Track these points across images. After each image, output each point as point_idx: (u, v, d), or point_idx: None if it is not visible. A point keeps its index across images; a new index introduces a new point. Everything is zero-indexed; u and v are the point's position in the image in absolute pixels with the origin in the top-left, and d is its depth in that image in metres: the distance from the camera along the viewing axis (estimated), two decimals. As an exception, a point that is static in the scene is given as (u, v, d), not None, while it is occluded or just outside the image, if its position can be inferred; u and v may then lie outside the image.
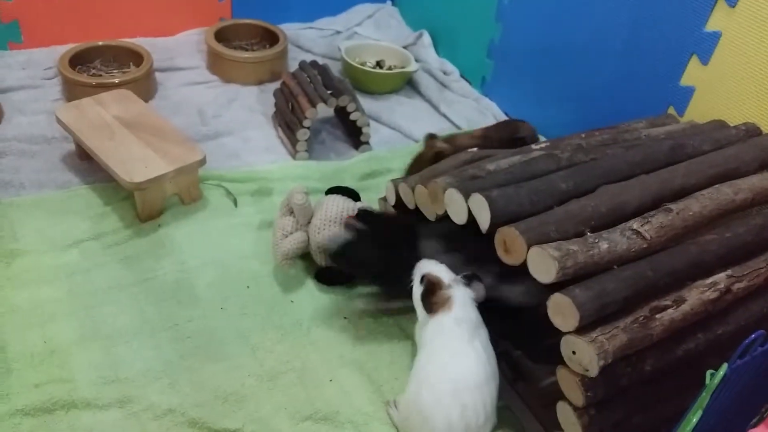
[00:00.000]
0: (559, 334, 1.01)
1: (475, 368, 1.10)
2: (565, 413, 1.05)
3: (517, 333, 1.32)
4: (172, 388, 1.21)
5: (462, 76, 2.31)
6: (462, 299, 1.17)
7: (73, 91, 1.90)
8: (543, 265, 1.01)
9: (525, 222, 1.08)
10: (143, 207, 1.55)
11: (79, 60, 2.01)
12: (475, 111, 2.15)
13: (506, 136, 1.61)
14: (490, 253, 1.11)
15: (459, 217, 1.18)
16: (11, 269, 1.41)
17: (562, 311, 0.99)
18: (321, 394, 1.24)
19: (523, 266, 1.05)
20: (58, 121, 1.66)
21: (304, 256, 1.48)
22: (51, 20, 2.11)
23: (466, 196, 1.14)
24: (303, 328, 1.36)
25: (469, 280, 1.20)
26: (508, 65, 2.12)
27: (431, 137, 1.59)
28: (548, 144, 1.40)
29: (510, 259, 1.07)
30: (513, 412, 1.24)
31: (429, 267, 1.22)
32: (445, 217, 1.24)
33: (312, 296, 1.45)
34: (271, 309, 1.39)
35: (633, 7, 1.63)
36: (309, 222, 1.46)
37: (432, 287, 1.18)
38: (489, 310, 1.20)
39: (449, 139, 1.61)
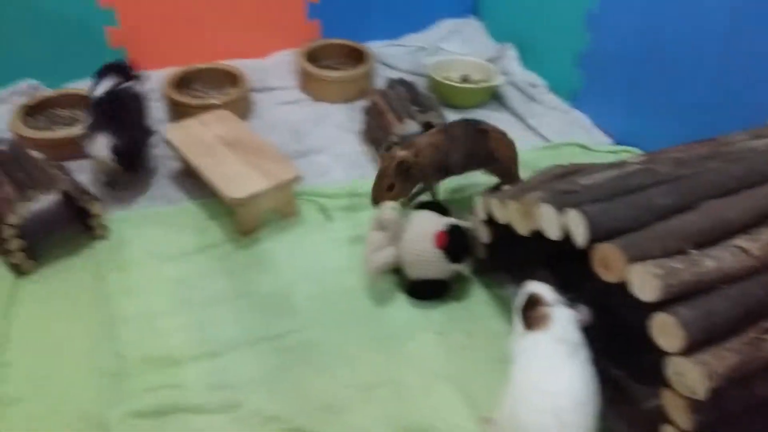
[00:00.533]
0: (662, 352, 0.99)
1: (576, 386, 1.09)
2: (669, 436, 1.02)
3: (619, 351, 1.30)
4: (275, 396, 1.27)
5: (550, 88, 2.30)
6: (563, 319, 1.16)
7: (177, 113, 2.03)
8: (645, 284, 1.00)
9: (625, 238, 1.06)
10: (243, 222, 1.64)
11: (181, 83, 2.14)
12: (564, 123, 2.13)
13: (469, 129, 1.60)
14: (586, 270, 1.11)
15: (553, 233, 1.18)
16: (126, 280, 1.52)
17: (666, 331, 0.97)
18: (416, 407, 1.26)
19: (623, 284, 1.03)
20: (166, 140, 1.77)
21: (396, 270, 1.52)
22: (155, 46, 2.26)
23: (560, 211, 1.14)
24: (397, 342, 1.39)
25: (573, 302, 1.20)
26: (598, 76, 2.09)
27: (388, 148, 1.55)
28: (645, 158, 1.37)
29: (610, 276, 1.06)
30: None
31: (534, 286, 1.23)
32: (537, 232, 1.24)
33: (404, 310, 1.48)
34: (365, 322, 1.43)
35: (730, 12, 1.57)
36: (400, 237, 1.50)
37: (532, 302, 1.18)
38: (587, 327, 1.19)
39: (408, 144, 1.57)
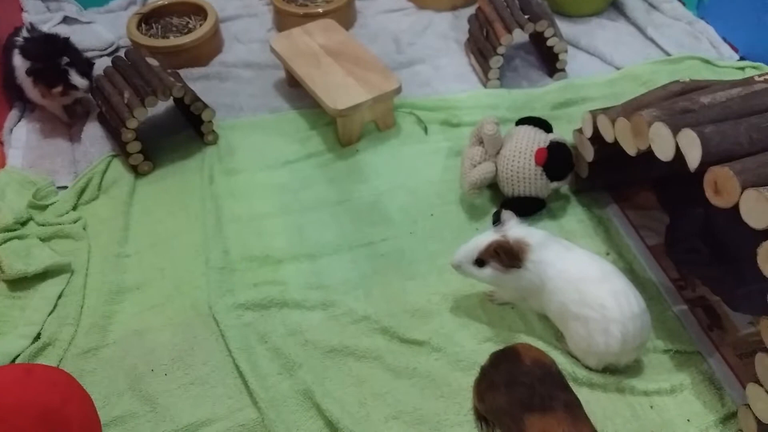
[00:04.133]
0: (765, 281, 0.94)
1: (596, 260, 1.17)
2: (764, 365, 0.98)
3: (718, 279, 1.25)
4: (367, 299, 1.33)
5: (674, -4, 2.10)
6: (521, 231, 1.19)
7: (282, 21, 2.05)
8: (758, 210, 0.94)
9: (741, 162, 1.00)
10: (344, 132, 1.66)
11: (288, -10, 2.14)
12: (687, 35, 1.95)
13: None
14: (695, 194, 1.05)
15: (664, 154, 1.12)
16: (231, 184, 1.60)
17: (775, 261, 0.92)
18: (501, 319, 1.29)
19: (734, 209, 0.97)
20: (272, 50, 1.81)
21: (491, 185, 1.50)
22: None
23: (675, 132, 1.07)
24: (488, 256, 1.40)
25: (498, 218, 1.26)
26: (730, -18, 1.88)
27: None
28: (775, 75, 1.25)
29: (720, 201, 1.00)
30: (705, 359, 1.20)
31: (472, 247, 1.21)
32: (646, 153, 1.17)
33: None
34: (456, 235, 1.44)
35: None
36: (498, 152, 1.47)
37: (500, 251, 1.17)
38: (690, 253, 1.14)
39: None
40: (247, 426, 1.15)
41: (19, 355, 1.24)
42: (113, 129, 1.64)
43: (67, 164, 1.67)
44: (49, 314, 1.33)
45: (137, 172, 1.63)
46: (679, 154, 1.08)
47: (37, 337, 1.29)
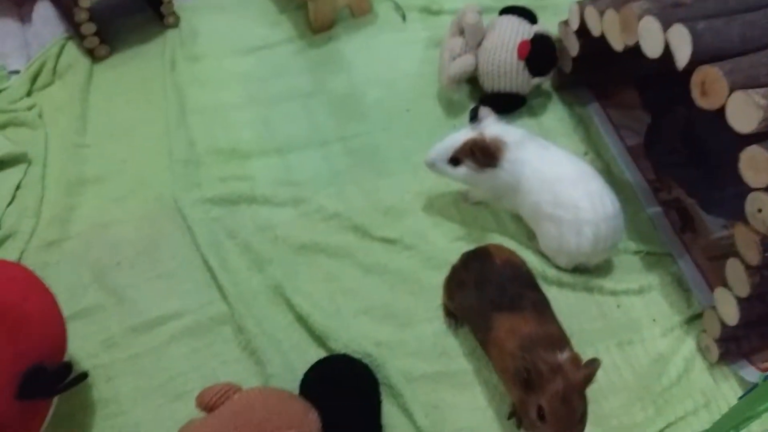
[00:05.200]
0: (743, 186, 0.92)
1: (582, 166, 1.15)
2: (735, 270, 0.99)
3: (695, 181, 1.24)
4: (338, 196, 1.30)
5: None
6: (498, 129, 1.15)
7: None
8: (744, 113, 0.91)
9: (732, 61, 0.95)
10: (316, 17, 1.56)
11: None
12: None
13: None
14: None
15: (653, 51, 1.06)
16: (195, 71, 1.51)
17: (755, 166, 0.90)
18: (474, 218, 1.27)
19: (720, 112, 0.94)
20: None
21: (471, 80, 1.44)
22: None
23: (666, 26, 1.01)
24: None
25: (476, 114, 1.20)
26: None
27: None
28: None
29: (706, 103, 0.97)
30: (675, 261, 1.21)
31: (447, 145, 1.16)
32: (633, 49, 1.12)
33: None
34: (433, 132, 1.38)
35: None
36: (479, 44, 1.40)
37: (475, 149, 1.12)
38: (669, 153, 1.12)
39: None
40: (217, 319, 1.14)
41: (-24, 248, 1.21)
42: (66, 8, 1.51)
43: (18, 47, 1.55)
44: (8, 206, 1.28)
45: (94, 56, 1.52)
46: (666, 52, 1.03)
47: (-4, 229, 1.25)
